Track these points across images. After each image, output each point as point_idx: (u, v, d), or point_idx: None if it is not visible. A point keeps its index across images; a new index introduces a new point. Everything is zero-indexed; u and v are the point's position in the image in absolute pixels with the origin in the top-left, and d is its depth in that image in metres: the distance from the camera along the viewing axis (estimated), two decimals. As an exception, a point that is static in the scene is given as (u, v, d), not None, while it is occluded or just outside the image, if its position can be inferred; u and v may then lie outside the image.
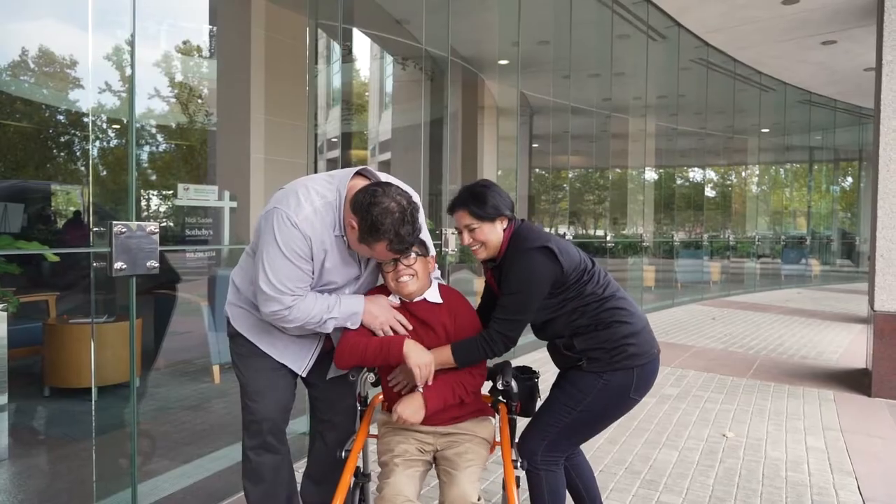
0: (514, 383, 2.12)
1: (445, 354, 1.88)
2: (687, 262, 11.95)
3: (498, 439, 2.04)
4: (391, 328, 1.90)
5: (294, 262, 1.77)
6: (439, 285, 2.00)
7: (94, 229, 2.14)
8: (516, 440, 2.08)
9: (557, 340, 2.01)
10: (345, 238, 1.83)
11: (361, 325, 1.90)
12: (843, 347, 6.57)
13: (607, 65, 9.58)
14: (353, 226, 1.74)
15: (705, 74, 11.06)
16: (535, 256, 1.89)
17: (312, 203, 1.79)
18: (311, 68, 6.65)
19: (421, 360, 1.81)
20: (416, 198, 1.95)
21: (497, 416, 2.11)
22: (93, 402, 2.70)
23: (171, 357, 5.00)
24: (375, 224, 1.67)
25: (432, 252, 1.98)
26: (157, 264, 2.27)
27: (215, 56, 7.48)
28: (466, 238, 1.97)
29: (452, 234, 5.20)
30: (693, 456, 3.33)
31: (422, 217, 2.00)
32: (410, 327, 1.91)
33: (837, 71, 11.70)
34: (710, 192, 13.83)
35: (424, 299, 1.94)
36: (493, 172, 10.83)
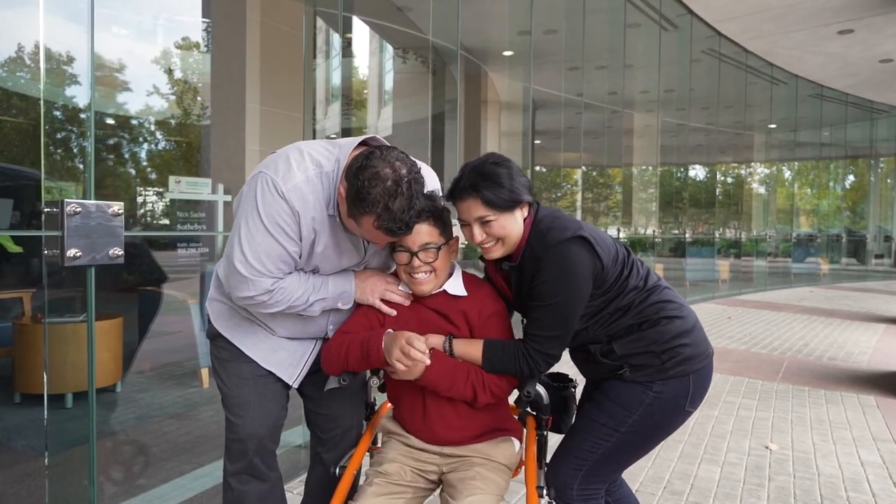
0: (543, 392, 1.76)
1: (473, 350, 1.50)
2: (696, 260, 11.61)
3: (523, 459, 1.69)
4: (388, 302, 1.59)
5: (277, 239, 1.42)
6: (463, 273, 1.62)
7: (46, 210, 1.76)
8: (545, 462, 1.72)
9: (592, 346, 1.60)
10: (338, 218, 1.47)
11: (356, 315, 1.60)
12: (870, 348, 6.22)
13: (615, 56, 9.21)
14: (342, 194, 1.39)
15: (716, 67, 10.70)
16: (570, 251, 1.46)
17: (306, 171, 1.43)
18: (309, 57, 6.26)
19: (402, 339, 1.43)
20: (430, 175, 1.60)
21: (523, 439, 1.75)
22: (45, 412, 2.32)
23: (157, 359, 4.63)
24: (361, 192, 1.32)
25: (455, 235, 1.61)
26: (121, 252, 1.90)
27: (210, 46, 7.14)
28: (478, 234, 1.50)
29: (454, 225, 4.81)
30: (738, 472, 2.96)
31: (432, 186, 1.63)
32: (407, 302, 1.57)
33: (852, 63, 11.35)
34: (718, 189, 13.48)
35: (444, 291, 1.57)
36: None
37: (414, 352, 1.39)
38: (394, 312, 1.57)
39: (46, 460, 2.18)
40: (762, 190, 15.51)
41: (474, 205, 1.48)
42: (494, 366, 1.51)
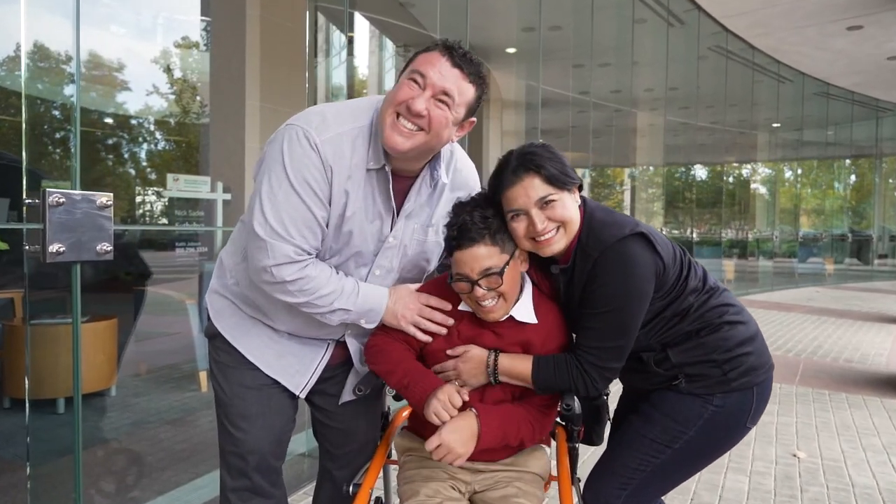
0: (576, 403, 1.60)
1: (521, 366, 1.33)
2: (702, 260, 11.46)
3: (554, 473, 1.53)
4: (422, 328, 1.39)
5: (303, 198, 1.24)
6: (534, 293, 1.41)
7: (28, 201, 1.59)
8: (577, 477, 1.58)
9: (644, 354, 1.43)
10: (379, 167, 1.31)
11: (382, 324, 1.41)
12: (887, 349, 6.06)
13: (620, 54, 9.05)
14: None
15: (722, 64, 10.54)
16: (630, 249, 1.29)
17: (342, 125, 1.28)
18: (310, 53, 6.11)
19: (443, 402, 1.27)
20: (470, 167, 1.57)
21: (552, 445, 1.60)
22: (26, 418, 2.16)
23: (154, 361, 4.47)
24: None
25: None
26: (110, 248, 1.74)
27: (209, 43, 7.00)
28: (539, 221, 1.28)
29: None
30: (767, 482, 2.80)
31: (473, 183, 1.50)
32: (444, 331, 1.38)
33: (859, 60, 11.20)
34: (723, 188, 13.34)
35: (511, 317, 1.36)
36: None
37: (452, 410, 1.27)
38: (429, 339, 1.38)
39: (28, 470, 2.02)
40: (767, 189, 15.36)
41: (532, 184, 1.29)
42: (546, 384, 1.34)
